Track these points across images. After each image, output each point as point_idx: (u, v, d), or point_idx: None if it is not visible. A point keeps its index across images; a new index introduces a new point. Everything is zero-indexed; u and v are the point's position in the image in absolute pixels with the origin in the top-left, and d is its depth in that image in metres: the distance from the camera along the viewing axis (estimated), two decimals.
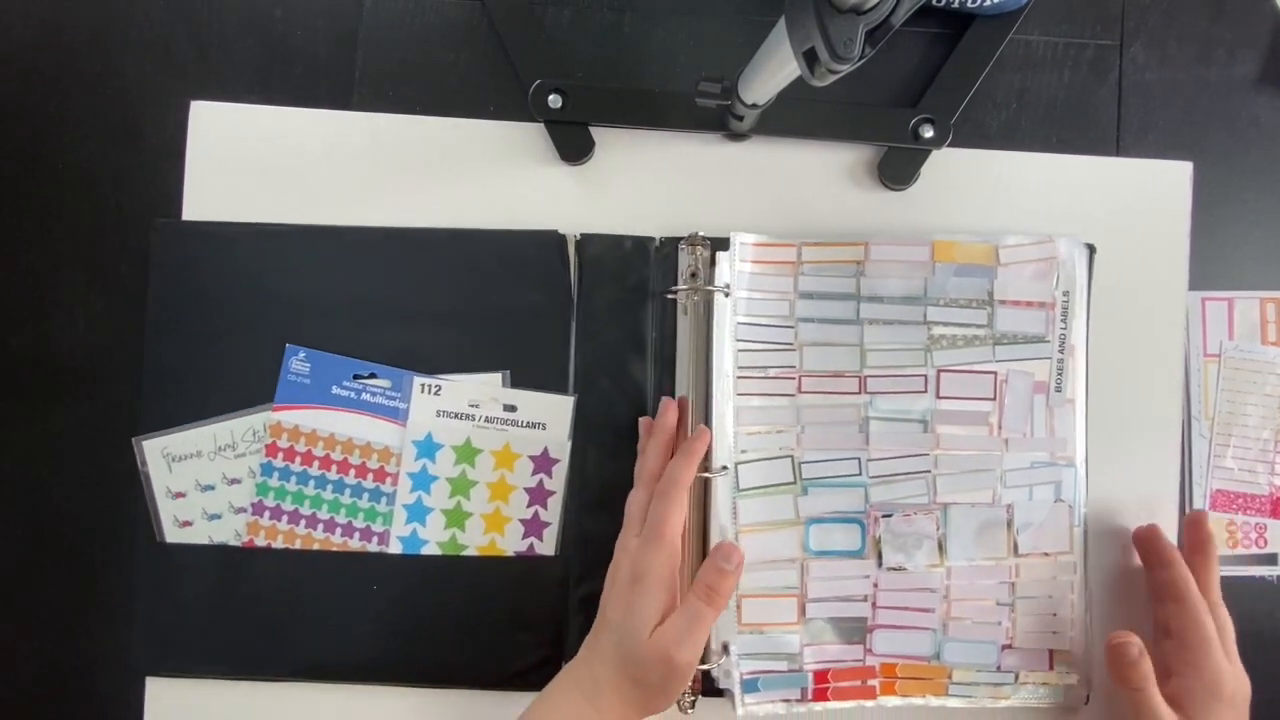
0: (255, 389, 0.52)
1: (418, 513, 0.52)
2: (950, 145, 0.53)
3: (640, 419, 0.52)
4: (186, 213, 0.53)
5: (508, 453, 0.52)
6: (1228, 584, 0.51)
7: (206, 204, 0.53)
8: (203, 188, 0.54)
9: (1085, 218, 0.54)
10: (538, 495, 0.52)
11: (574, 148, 0.53)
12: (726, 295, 0.52)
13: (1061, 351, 0.52)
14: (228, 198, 0.53)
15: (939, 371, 0.52)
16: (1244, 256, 0.56)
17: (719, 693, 0.51)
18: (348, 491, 0.52)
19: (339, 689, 0.51)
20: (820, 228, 0.54)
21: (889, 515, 0.52)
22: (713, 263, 0.52)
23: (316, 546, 0.52)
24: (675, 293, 0.52)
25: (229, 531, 0.52)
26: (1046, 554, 0.52)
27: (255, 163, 0.54)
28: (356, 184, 0.54)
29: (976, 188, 0.55)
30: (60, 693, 0.53)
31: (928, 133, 0.53)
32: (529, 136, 0.54)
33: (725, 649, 0.51)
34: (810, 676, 0.51)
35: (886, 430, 0.52)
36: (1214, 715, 0.47)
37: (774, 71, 0.40)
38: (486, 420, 0.52)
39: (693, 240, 0.52)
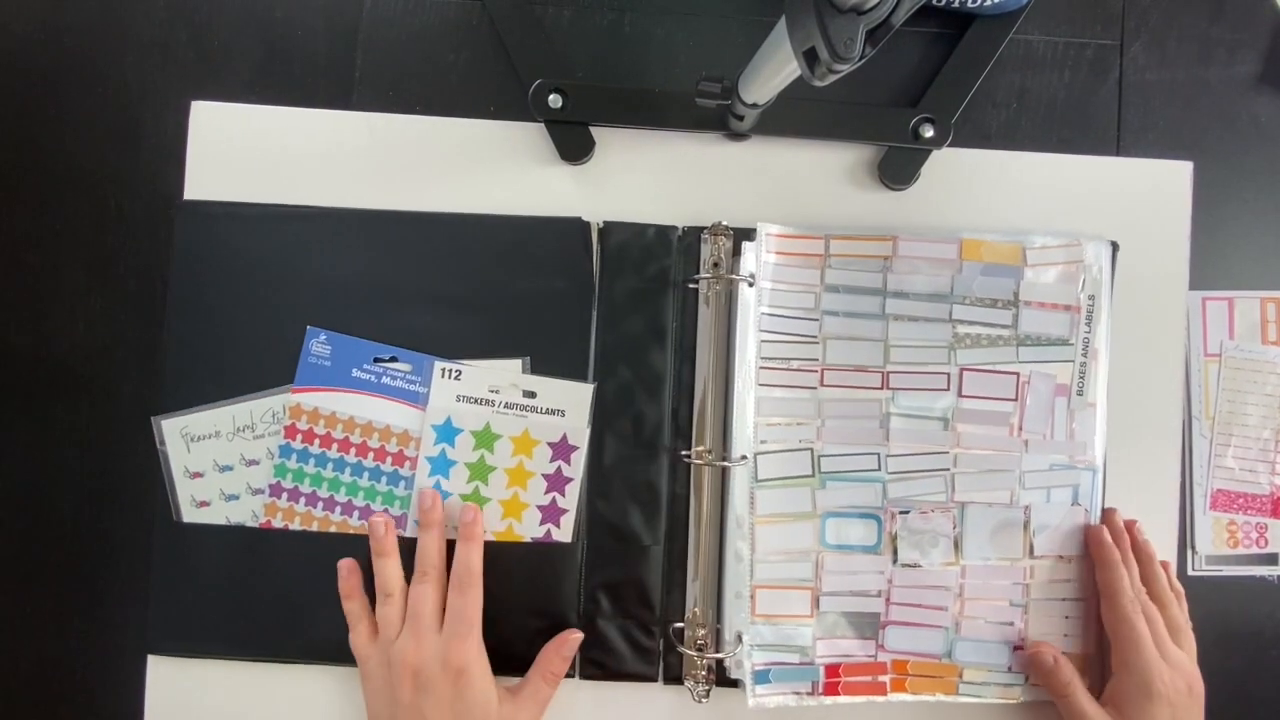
0: (275, 370, 0.52)
1: None
2: (950, 145, 0.53)
3: (340, 563, 0.51)
4: None
5: (527, 439, 0.52)
6: (1228, 584, 0.51)
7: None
8: (203, 188, 0.53)
9: (1085, 218, 0.54)
10: (556, 482, 0.52)
11: (574, 147, 0.53)
12: (751, 285, 0.52)
13: (1085, 355, 0.52)
14: (228, 197, 0.53)
15: (962, 370, 0.52)
16: (1244, 256, 0.56)
17: (732, 683, 0.52)
18: (366, 475, 0.52)
19: (353, 672, 0.51)
20: (821, 228, 0.54)
21: (906, 512, 0.52)
22: (734, 253, 0.52)
23: (334, 529, 0.52)
24: (697, 282, 0.53)
25: (246, 512, 0.52)
26: (1061, 556, 0.52)
27: (255, 163, 0.54)
28: (356, 184, 0.54)
29: (977, 188, 0.55)
30: (73, 670, 0.53)
31: (928, 133, 0.53)
32: (529, 136, 0.54)
33: (739, 639, 0.51)
34: (822, 670, 0.51)
35: (907, 427, 0.52)
36: (1146, 714, 0.47)
37: (774, 71, 0.40)
38: (506, 406, 0.52)
39: (715, 230, 0.52)
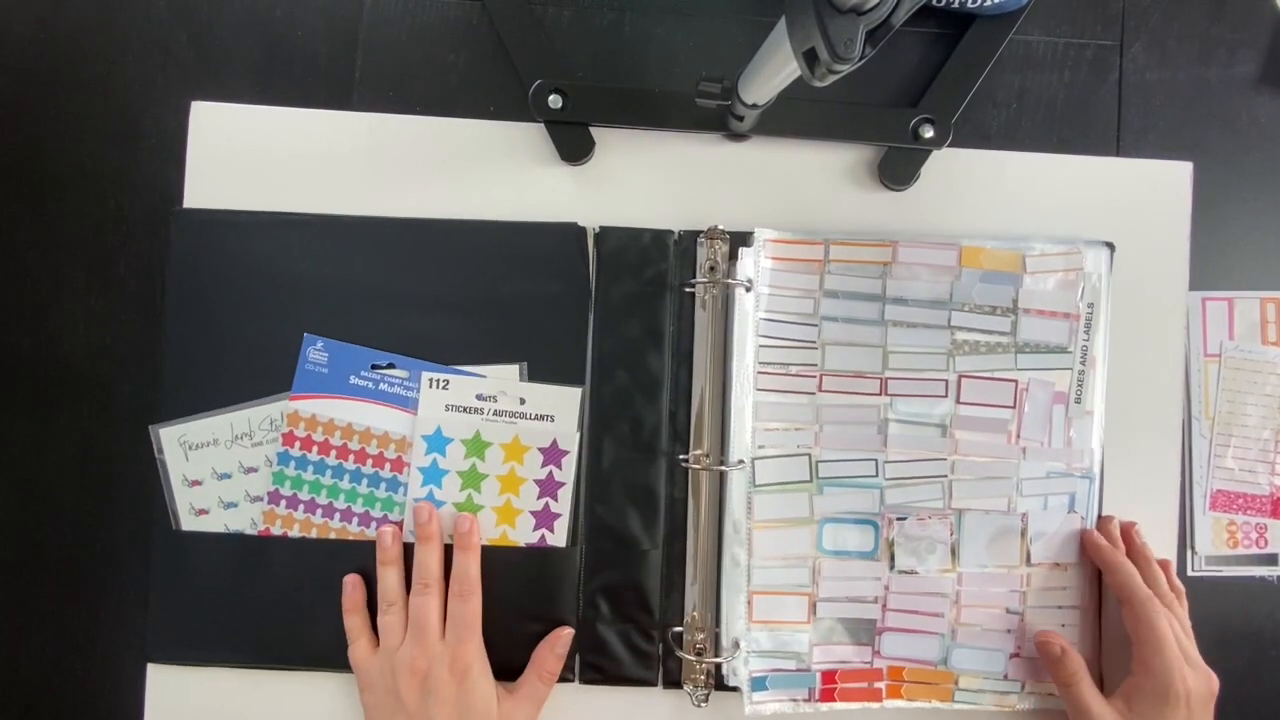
0: (272, 378, 0.52)
1: None
2: (950, 145, 0.53)
3: (346, 578, 0.51)
4: None
5: (517, 445, 0.52)
6: (1228, 584, 0.51)
7: (207, 204, 0.53)
8: (203, 188, 0.53)
9: (1085, 218, 0.54)
10: (548, 487, 0.52)
11: (574, 148, 0.53)
12: (748, 289, 0.52)
13: (1083, 363, 0.52)
14: (228, 198, 0.53)
15: (960, 377, 0.52)
16: (1244, 256, 0.56)
17: (731, 688, 0.51)
18: (365, 481, 0.52)
19: (353, 679, 0.51)
20: (821, 228, 0.54)
21: (903, 518, 0.52)
22: (731, 257, 0.52)
23: (333, 536, 0.52)
24: (694, 286, 0.53)
25: (245, 520, 0.52)
26: (1058, 564, 0.52)
27: (255, 163, 0.54)
28: (356, 184, 0.54)
29: (977, 188, 0.55)
30: (72, 677, 0.53)
31: (928, 133, 0.53)
32: (529, 136, 0.54)
33: (736, 645, 0.51)
34: (818, 677, 0.51)
35: (905, 433, 0.52)
36: (1163, 716, 0.46)
37: (774, 72, 0.40)
38: (495, 413, 0.52)
39: (711, 234, 0.52)
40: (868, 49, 0.32)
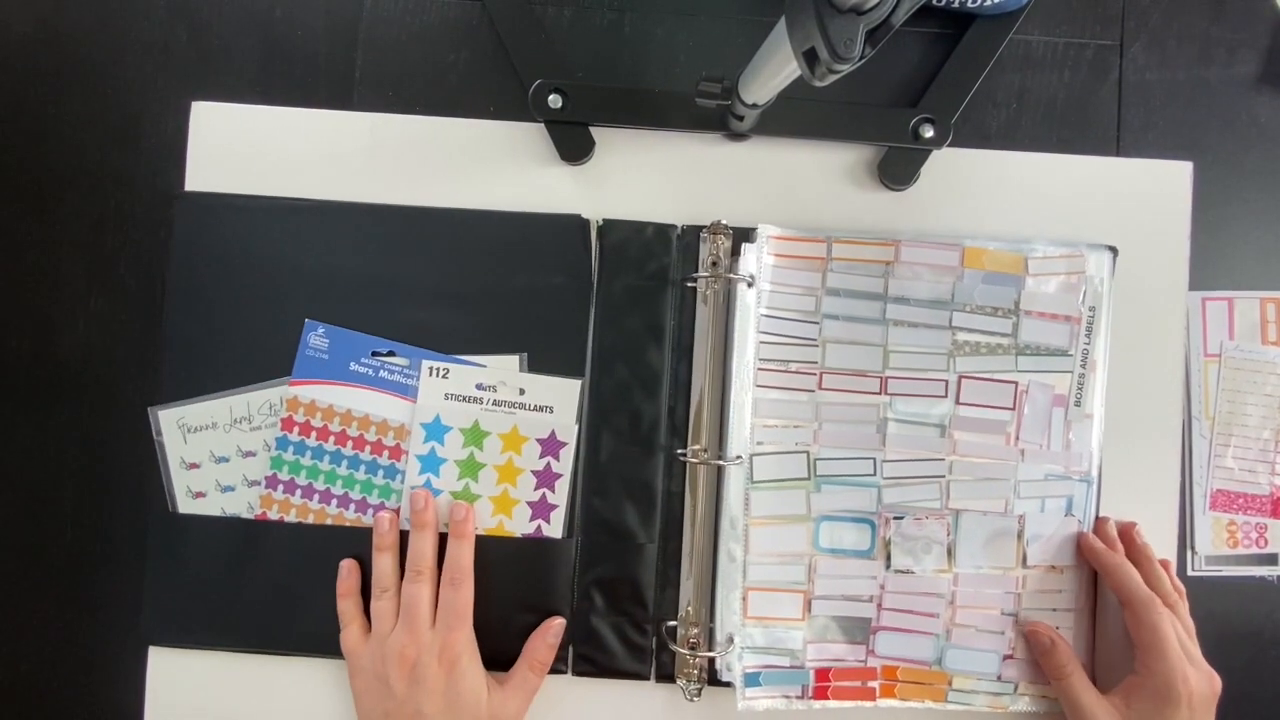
0: (273, 363, 0.52)
1: None
2: (950, 145, 0.53)
3: (342, 563, 0.51)
4: None
5: (515, 435, 0.53)
6: (1228, 584, 0.51)
7: None
8: (203, 188, 0.53)
9: (1085, 218, 0.54)
10: (545, 478, 0.52)
11: (574, 148, 0.53)
12: (750, 285, 0.52)
13: (1083, 366, 0.52)
14: None
15: (960, 377, 0.52)
16: (1244, 256, 0.56)
17: (724, 683, 0.52)
18: (363, 468, 0.52)
19: (345, 665, 0.51)
20: (821, 228, 0.54)
21: (900, 518, 0.52)
22: (733, 253, 0.52)
23: (329, 521, 0.52)
24: (695, 280, 0.53)
25: (242, 504, 0.52)
26: (1054, 567, 0.52)
27: (255, 163, 0.54)
28: (356, 184, 0.54)
29: (977, 188, 0.55)
30: (73, 661, 0.53)
31: (928, 133, 0.53)
32: (529, 136, 0.54)
33: (730, 641, 0.51)
34: (812, 674, 0.51)
35: (903, 432, 0.52)
36: (1164, 716, 0.46)
37: (774, 71, 0.40)
38: (495, 403, 0.52)
39: (714, 229, 0.52)
40: (868, 49, 0.32)
